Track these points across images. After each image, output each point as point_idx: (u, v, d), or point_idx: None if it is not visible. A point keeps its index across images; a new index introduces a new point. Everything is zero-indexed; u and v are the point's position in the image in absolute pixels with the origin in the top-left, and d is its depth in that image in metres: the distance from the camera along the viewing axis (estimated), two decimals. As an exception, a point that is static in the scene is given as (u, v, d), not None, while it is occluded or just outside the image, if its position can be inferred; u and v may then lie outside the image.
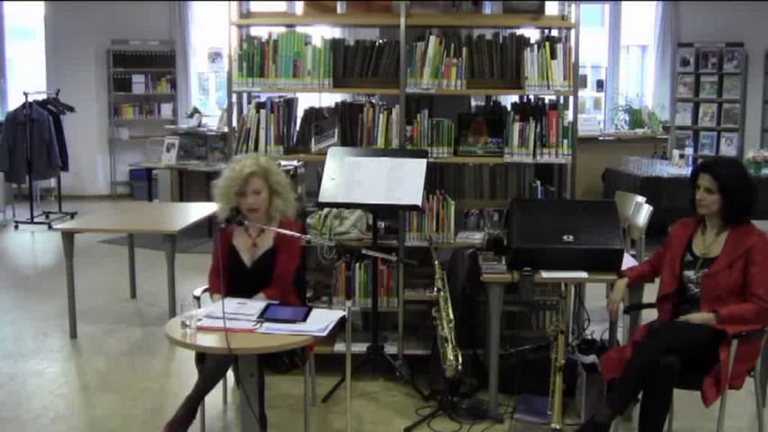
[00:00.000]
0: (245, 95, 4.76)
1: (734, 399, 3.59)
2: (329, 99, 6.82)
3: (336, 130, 4.53)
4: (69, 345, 5.15)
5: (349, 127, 4.58)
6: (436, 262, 4.16)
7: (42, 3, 11.03)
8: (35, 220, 9.14)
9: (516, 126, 4.39)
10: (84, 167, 11.17)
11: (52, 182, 10.20)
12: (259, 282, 3.53)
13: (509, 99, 5.46)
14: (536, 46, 4.41)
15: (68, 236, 5.23)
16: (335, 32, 8.06)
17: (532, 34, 4.82)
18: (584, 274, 3.81)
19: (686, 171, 7.43)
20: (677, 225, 3.70)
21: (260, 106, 4.55)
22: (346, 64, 4.56)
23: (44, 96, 9.55)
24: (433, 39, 4.39)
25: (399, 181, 4.17)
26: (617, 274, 3.78)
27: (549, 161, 4.46)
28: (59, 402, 4.22)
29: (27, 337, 5.28)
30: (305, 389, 3.68)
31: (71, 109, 9.57)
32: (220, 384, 3.81)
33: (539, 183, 4.83)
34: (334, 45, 4.52)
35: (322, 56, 4.44)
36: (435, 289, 4.11)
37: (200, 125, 10.00)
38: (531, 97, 4.78)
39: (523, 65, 4.38)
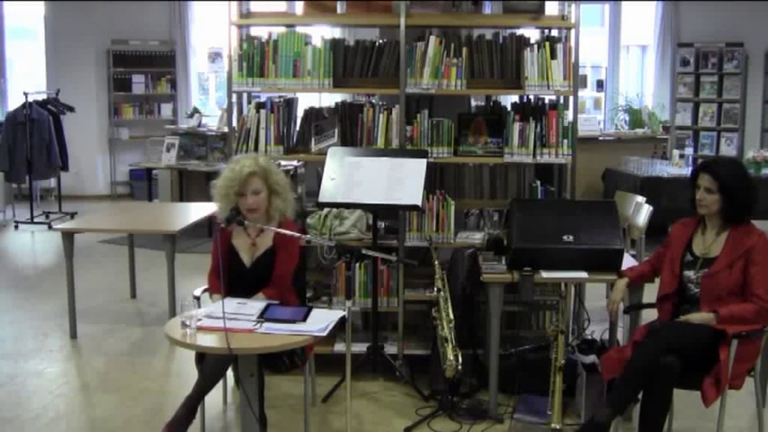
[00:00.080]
0: (245, 95, 4.76)
1: (734, 399, 3.59)
2: (329, 99, 6.82)
3: (336, 130, 4.53)
4: (69, 345, 5.15)
5: (349, 127, 4.58)
6: (436, 262, 4.16)
7: (42, 3, 11.03)
8: (35, 220, 9.14)
9: (516, 126, 4.39)
10: (84, 167, 11.18)
11: (52, 182, 10.21)
12: (258, 282, 3.53)
13: (509, 99, 5.46)
14: (536, 46, 4.41)
15: (68, 236, 5.23)
16: (335, 32, 8.06)
17: (532, 34, 4.82)
18: (584, 274, 3.81)
19: (686, 171, 7.43)
20: (677, 225, 3.70)
21: (260, 106, 4.55)
22: (346, 64, 4.56)
23: (44, 96, 9.55)
24: (433, 39, 4.39)
25: (399, 181, 4.17)
26: (617, 274, 3.78)
27: (549, 161, 4.46)
28: (59, 402, 4.22)
29: (27, 337, 5.28)
30: (305, 389, 3.68)
31: (71, 109, 9.57)
32: (220, 384, 3.82)
33: (539, 183, 4.83)
34: (335, 45, 4.52)
35: (322, 56, 4.44)
36: (435, 289, 4.11)
37: (200, 125, 10.00)
38: (531, 97, 4.78)
39: (523, 65, 4.38)
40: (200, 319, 3.07)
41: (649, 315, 3.78)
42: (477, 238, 4.53)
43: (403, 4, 4.38)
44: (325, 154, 4.35)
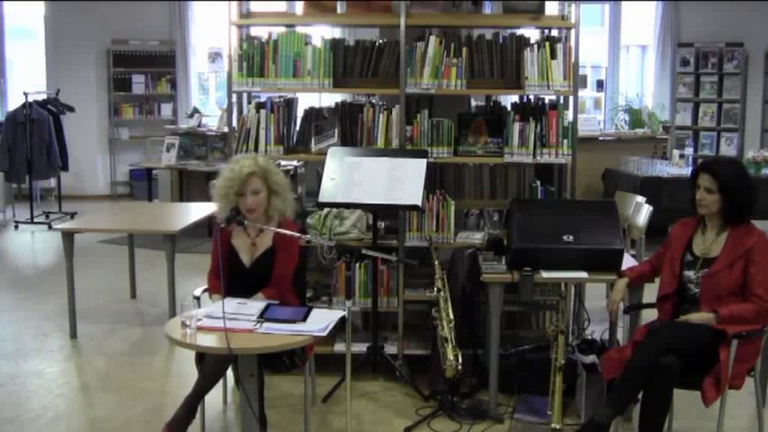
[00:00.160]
0: (245, 95, 4.76)
1: (734, 399, 3.59)
2: (329, 99, 6.82)
3: (336, 130, 4.53)
4: (69, 345, 5.15)
5: (349, 127, 4.58)
6: (436, 262, 4.16)
7: (42, 3, 11.03)
8: (35, 220, 9.14)
9: (516, 126, 4.39)
10: (84, 167, 11.18)
11: (52, 182, 10.20)
12: (258, 282, 3.52)
13: (509, 99, 5.47)
14: (536, 46, 4.41)
15: (68, 236, 5.23)
16: (335, 32, 8.06)
17: (532, 34, 4.82)
18: (584, 274, 3.81)
19: (686, 171, 7.44)
20: (677, 225, 3.70)
21: (260, 106, 4.55)
22: (346, 64, 4.56)
23: (44, 96, 9.55)
24: (433, 39, 4.39)
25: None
26: (617, 274, 3.78)
27: (549, 161, 4.46)
28: (59, 402, 4.22)
29: (27, 337, 5.28)
30: (305, 389, 3.68)
31: (71, 109, 9.57)
32: (220, 384, 3.82)
33: (539, 183, 4.83)
34: (335, 45, 4.52)
35: (322, 56, 4.44)
36: (435, 289, 4.11)
37: (200, 125, 10.00)
38: (531, 97, 4.78)
39: (523, 65, 4.38)
40: (200, 319, 3.07)
41: (649, 315, 3.78)
42: (477, 238, 4.52)
43: (403, 4, 4.38)
44: (325, 154, 4.35)
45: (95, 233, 7.22)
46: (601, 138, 9.14)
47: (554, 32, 4.86)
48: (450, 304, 4.07)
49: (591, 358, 3.99)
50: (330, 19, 5.07)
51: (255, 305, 3.25)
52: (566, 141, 4.40)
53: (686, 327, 3.39)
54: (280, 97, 4.73)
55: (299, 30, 4.58)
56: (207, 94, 12.10)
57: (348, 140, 4.56)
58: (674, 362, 3.22)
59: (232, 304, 3.23)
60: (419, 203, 4.14)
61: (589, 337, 4.30)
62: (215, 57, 11.11)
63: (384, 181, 4.18)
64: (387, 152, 4.36)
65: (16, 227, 9.07)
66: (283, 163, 4.88)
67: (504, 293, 3.91)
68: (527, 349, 4.30)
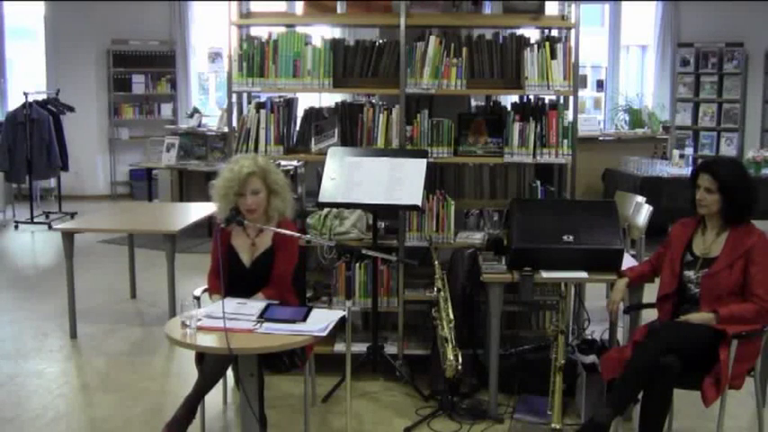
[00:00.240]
0: (245, 95, 4.76)
1: (734, 399, 3.59)
2: (329, 99, 6.82)
3: (336, 130, 4.53)
4: (69, 345, 5.15)
5: (349, 127, 4.58)
6: (436, 262, 4.16)
7: (42, 3, 11.03)
8: (35, 220, 9.13)
9: (516, 126, 4.39)
10: (84, 167, 11.17)
11: (52, 182, 10.20)
12: (258, 282, 3.52)
13: (509, 99, 5.47)
14: (536, 46, 4.41)
15: (68, 236, 5.23)
16: (335, 32, 8.06)
17: (532, 34, 4.82)
18: (584, 274, 3.81)
19: (686, 171, 7.43)
20: (677, 225, 3.70)
21: (260, 106, 4.55)
22: (346, 64, 4.56)
23: (44, 96, 9.55)
24: (433, 39, 4.39)
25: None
26: (617, 274, 3.78)
27: (549, 161, 4.46)
28: (59, 402, 4.22)
29: (27, 337, 5.28)
30: (305, 389, 3.68)
31: (71, 109, 9.57)
32: (220, 384, 3.82)
33: (539, 183, 4.83)
34: (334, 45, 4.52)
35: (322, 56, 4.44)
36: (435, 289, 4.11)
37: (200, 125, 9.99)
38: (531, 97, 4.78)
39: (523, 65, 4.38)
40: (200, 319, 3.07)
41: (649, 315, 3.78)
42: (477, 238, 4.52)
43: (403, 4, 4.38)
44: (325, 154, 4.35)
45: (95, 233, 7.22)
46: (601, 138, 9.14)
47: (554, 32, 4.86)
48: (450, 304, 4.07)
49: (591, 358, 3.99)
50: (330, 19, 5.07)
51: (255, 305, 3.25)
52: (566, 141, 4.40)
53: (686, 327, 3.39)
54: (280, 97, 4.73)
55: (299, 30, 4.57)
56: (207, 94, 12.10)
57: (348, 140, 4.56)
58: (674, 362, 3.22)
59: (232, 304, 3.23)
60: (419, 203, 4.14)
61: (589, 337, 4.30)
62: (215, 57, 11.11)
63: (384, 181, 4.18)
64: (387, 152, 4.36)
65: (16, 227, 9.08)
66: (283, 163, 4.88)
67: (504, 293, 3.91)
68: (527, 349, 4.30)
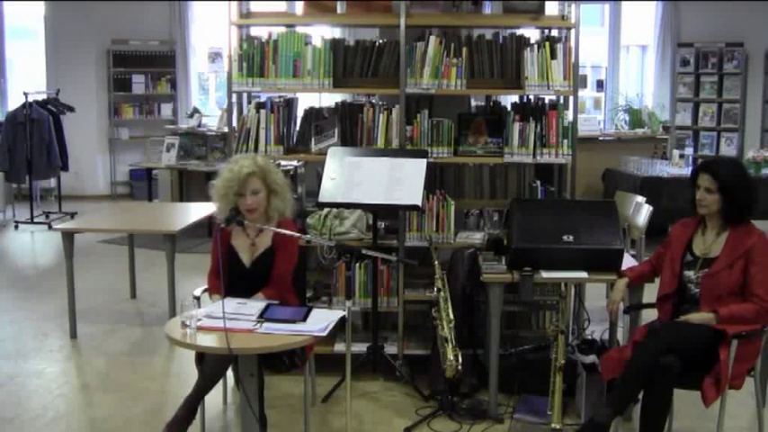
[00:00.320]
0: (245, 95, 4.76)
1: (734, 399, 3.59)
2: (329, 99, 6.82)
3: (336, 130, 4.53)
4: (69, 345, 5.15)
5: (349, 127, 4.58)
6: (436, 262, 4.16)
7: (42, 3, 11.03)
8: (35, 220, 9.13)
9: (516, 126, 4.39)
10: (84, 167, 11.17)
11: (52, 182, 10.20)
12: (258, 282, 3.52)
13: (509, 99, 5.47)
14: (536, 46, 4.41)
15: (68, 236, 5.23)
16: (335, 32, 8.06)
17: (532, 34, 4.82)
18: (584, 274, 3.81)
19: (686, 171, 7.43)
20: (677, 225, 3.70)
21: (260, 106, 4.55)
22: (346, 64, 4.56)
23: (44, 96, 9.55)
24: (433, 39, 4.39)
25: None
26: (617, 274, 3.78)
27: (549, 161, 4.46)
28: (59, 402, 4.22)
29: (27, 337, 5.28)
30: (305, 389, 3.68)
31: (71, 109, 9.57)
32: (220, 384, 3.82)
33: (539, 183, 4.83)
34: (335, 45, 4.52)
35: (322, 56, 4.44)
36: (435, 289, 4.11)
37: (200, 125, 9.99)
38: (531, 97, 4.78)
39: (523, 65, 4.38)
40: (200, 319, 3.07)
41: (649, 315, 3.78)
42: (477, 238, 4.52)
43: (403, 4, 4.38)
44: (325, 154, 4.35)
45: (95, 233, 7.22)
46: (601, 138, 9.13)
47: (554, 32, 4.86)
48: (450, 304, 4.07)
49: (591, 358, 3.99)
50: (330, 19, 5.07)
51: (255, 305, 3.25)
52: (566, 141, 4.40)
53: (686, 327, 3.39)
54: (280, 97, 4.73)
55: (299, 30, 4.57)
56: (207, 94, 12.10)
57: (348, 140, 4.56)
58: (674, 362, 3.22)
59: (232, 304, 3.23)
60: (419, 203, 4.14)
61: (589, 337, 4.30)
62: (215, 57, 11.11)
63: (384, 181, 4.18)
64: (387, 152, 4.36)
65: (16, 227, 9.08)
66: (283, 163, 4.88)
67: (504, 293, 3.91)
68: (527, 349, 4.30)
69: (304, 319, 3.15)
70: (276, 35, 4.50)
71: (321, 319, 3.15)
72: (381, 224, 4.53)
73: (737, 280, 3.41)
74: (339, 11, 4.80)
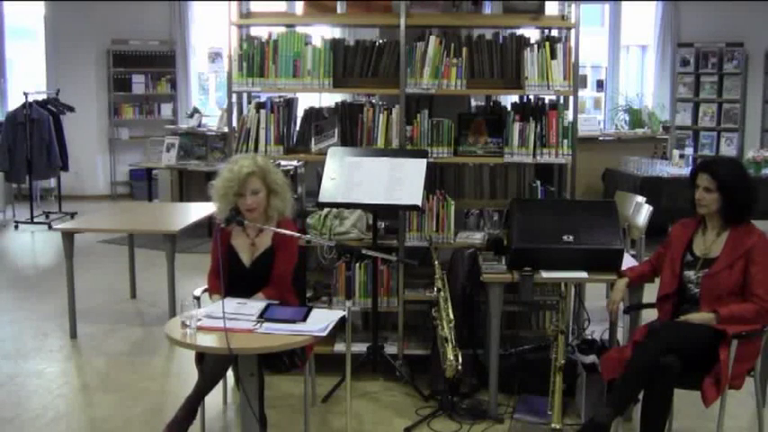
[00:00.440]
0: (245, 95, 4.76)
1: (734, 399, 3.59)
2: (329, 99, 6.82)
3: (336, 130, 4.53)
4: (69, 345, 5.15)
5: (349, 127, 4.58)
6: (436, 262, 4.16)
7: (42, 3, 11.03)
8: (35, 220, 9.13)
9: (516, 126, 4.39)
10: (84, 167, 11.17)
11: (52, 182, 10.20)
12: (258, 282, 3.52)
13: (509, 99, 5.47)
14: (536, 46, 4.41)
15: (68, 236, 5.23)
16: (335, 32, 8.05)
17: (532, 34, 4.82)
18: (584, 274, 3.81)
19: (686, 171, 7.40)
20: (677, 225, 3.70)
21: (260, 106, 4.55)
22: (346, 64, 4.56)
23: (44, 96, 9.55)
24: (433, 39, 4.39)
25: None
26: (617, 274, 3.78)
27: (549, 161, 4.46)
28: (59, 402, 4.22)
29: (27, 337, 5.28)
30: (305, 389, 3.68)
31: (71, 109, 9.57)
32: (220, 384, 3.81)
33: (539, 183, 4.83)
34: (335, 45, 4.52)
35: (322, 56, 4.44)
36: (435, 289, 4.11)
37: (200, 125, 9.99)
38: (531, 97, 4.78)
39: (523, 65, 4.38)
40: (200, 319, 3.07)
41: (649, 315, 3.78)
42: (477, 238, 4.52)
43: (403, 4, 4.38)
44: (325, 154, 4.35)
45: (95, 233, 7.22)
46: (601, 138, 9.13)
47: (554, 32, 4.86)
48: (450, 304, 4.07)
49: (591, 358, 3.99)
50: (330, 19, 5.07)
51: (255, 305, 3.25)
52: (566, 141, 4.40)
53: (686, 327, 3.39)
54: (280, 97, 4.73)
55: (299, 30, 4.57)
56: (207, 94, 12.10)
57: (348, 140, 4.56)
58: (674, 362, 3.22)
59: (232, 304, 3.23)
60: (419, 203, 4.14)
61: (589, 337, 4.30)
62: (215, 57, 11.11)
63: (384, 181, 4.18)
64: (387, 152, 4.36)
65: (16, 227, 9.07)
66: (283, 163, 4.88)
67: (504, 293, 3.91)
68: (527, 349, 4.30)
69: (304, 319, 3.15)
70: (276, 35, 4.50)
71: (321, 319, 3.15)
72: (381, 224, 4.53)
73: (738, 280, 3.41)
74: (339, 11, 4.80)
